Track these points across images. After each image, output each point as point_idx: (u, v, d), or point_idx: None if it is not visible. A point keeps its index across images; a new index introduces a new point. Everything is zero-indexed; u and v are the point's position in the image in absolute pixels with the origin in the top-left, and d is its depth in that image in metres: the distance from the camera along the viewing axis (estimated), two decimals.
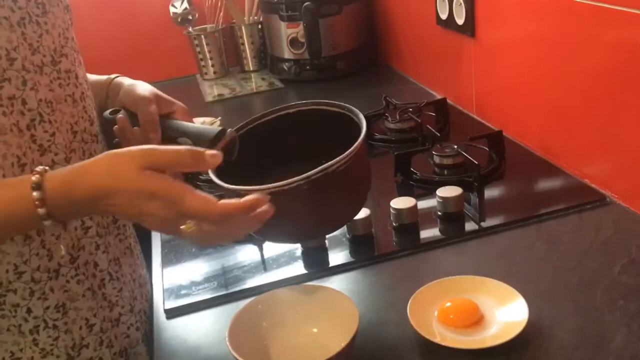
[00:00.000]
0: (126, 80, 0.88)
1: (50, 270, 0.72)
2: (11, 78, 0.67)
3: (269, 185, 0.64)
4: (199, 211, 0.59)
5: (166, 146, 0.62)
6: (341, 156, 0.67)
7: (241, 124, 0.81)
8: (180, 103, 0.86)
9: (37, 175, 0.60)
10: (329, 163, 0.66)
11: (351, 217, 0.82)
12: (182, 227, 0.61)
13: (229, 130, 0.77)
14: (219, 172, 0.70)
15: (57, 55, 0.74)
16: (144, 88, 0.84)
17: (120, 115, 0.82)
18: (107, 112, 0.84)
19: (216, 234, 0.63)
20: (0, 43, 0.66)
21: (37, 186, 0.59)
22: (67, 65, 0.76)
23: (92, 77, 0.88)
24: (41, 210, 0.59)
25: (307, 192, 0.66)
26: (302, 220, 0.70)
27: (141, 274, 0.90)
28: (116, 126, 0.82)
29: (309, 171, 0.65)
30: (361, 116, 0.75)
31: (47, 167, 0.62)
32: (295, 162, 0.75)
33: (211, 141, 0.76)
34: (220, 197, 0.61)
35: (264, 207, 0.61)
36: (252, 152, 0.79)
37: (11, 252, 0.69)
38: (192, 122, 0.84)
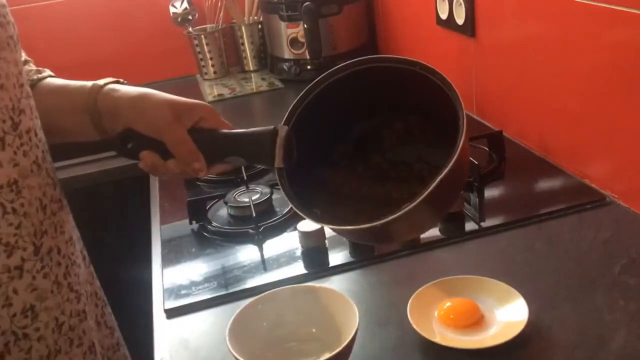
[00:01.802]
0: (121, 96, 0.68)
1: (10, 269, 0.60)
2: None
3: (377, 223, 0.58)
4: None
5: None
6: (452, 160, 0.59)
7: (287, 112, 0.68)
8: (201, 103, 0.70)
9: None
10: (442, 174, 0.58)
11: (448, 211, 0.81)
12: None
13: (279, 132, 0.65)
14: (291, 182, 0.63)
15: (16, 115, 0.59)
16: (156, 104, 0.66)
17: (142, 152, 0.66)
18: (117, 141, 0.68)
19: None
20: None
21: None
22: (27, 122, 0.61)
23: (69, 85, 0.71)
24: None
25: (420, 207, 0.58)
26: (411, 233, 0.71)
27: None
28: (141, 163, 0.67)
29: (395, 123, 0.63)
30: (449, 82, 0.66)
31: None
32: (366, 121, 0.70)
33: (268, 158, 0.64)
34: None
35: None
36: (310, 137, 0.67)
37: None
38: (224, 124, 0.70)
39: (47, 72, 0.76)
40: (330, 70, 0.69)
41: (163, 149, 0.66)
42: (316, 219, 0.64)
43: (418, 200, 0.58)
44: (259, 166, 0.70)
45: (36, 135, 0.63)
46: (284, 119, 0.68)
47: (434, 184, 0.58)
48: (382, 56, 0.68)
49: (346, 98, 0.69)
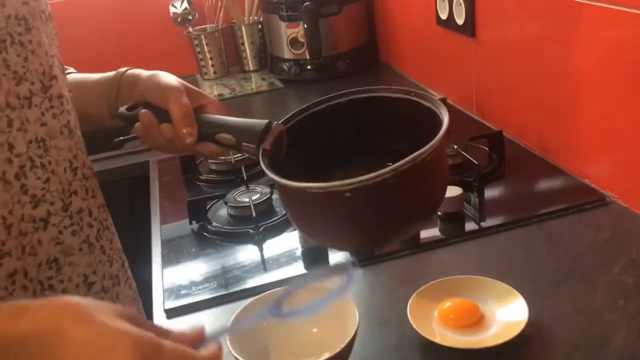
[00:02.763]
0: (143, 72, 0.76)
1: (35, 219, 0.62)
2: None
3: (347, 181, 0.55)
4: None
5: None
6: (430, 144, 0.57)
7: (287, 116, 0.70)
8: (211, 96, 0.76)
9: None
10: (420, 152, 0.56)
11: (431, 218, 0.71)
12: None
13: (275, 123, 0.67)
14: (274, 170, 0.62)
15: (47, 79, 0.63)
16: (169, 77, 0.73)
17: (142, 110, 0.70)
18: (123, 109, 0.73)
19: None
20: None
21: None
22: (58, 89, 0.65)
23: (93, 76, 0.80)
24: None
25: (393, 187, 0.56)
26: (383, 220, 0.60)
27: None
28: (138, 124, 0.71)
29: (374, 166, 0.56)
30: (435, 100, 0.64)
31: None
32: (353, 157, 0.68)
33: (258, 139, 0.66)
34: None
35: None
36: (300, 150, 0.69)
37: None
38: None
39: (71, 69, 0.83)
40: (335, 94, 0.70)
41: (163, 116, 0.70)
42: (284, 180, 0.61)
43: (385, 171, 0.55)
44: (245, 152, 0.69)
45: (68, 103, 0.67)
46: (282, 120, 0.69)
47: (405, 160, 0.55)
48: (384, 87, 0.69)
49: (344, 124, 0.70)
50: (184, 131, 0.69)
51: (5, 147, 0.58)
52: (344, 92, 0.70)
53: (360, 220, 0.58)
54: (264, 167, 0.62)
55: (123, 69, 0.78)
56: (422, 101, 0.66)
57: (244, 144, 0.68)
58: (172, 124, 0.70)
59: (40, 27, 0.64)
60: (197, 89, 0.75)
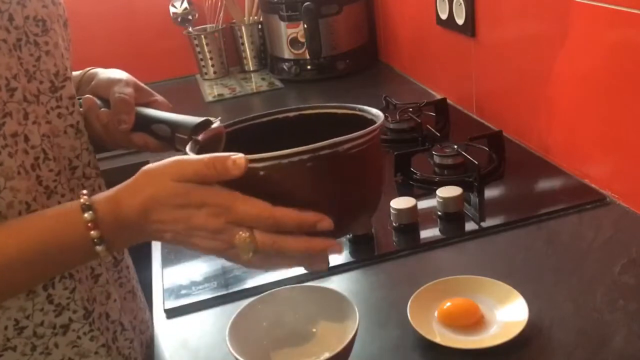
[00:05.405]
0: (100, 70, 0.79)
1: (56, 326, 0.64)
2: (12, 112, 0.59)
3: (261, 155, 0.53)
4: (251, 215, 0.52)
5: (194, 156, 0.55)
6: (356, 134, 0.55)
7: (231, 121, 0.70)
8: (161, 96, 0.78)
9: (85, 197, 0.55)
10: (341, 138, 0.54)
11: (358, 219, 0.64)
12: (235, 240, 0.54)
13: (215, 122, 0.68)
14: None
15: (59, 80, 0.66)
16: (120, 73, 0.76)
17: (87, 96, 0.72)
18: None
19: (274, 247, 0.53)
20: (0, 71, 0.58)
21: (87, 207, 0.54)
22: (71, 90, 0.68)
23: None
24: (94, 233, 0.54)
25: (309, 171, 0.54)
26: (296, 205, 0.54)
27: (143, 319, 0.81)
28: (81, 109, 0.72)
29: None
30: (377, 111, 0.65)
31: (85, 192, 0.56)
32: None
33: (192, 130, 0.66)
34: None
35: (331, 243, 0.54)
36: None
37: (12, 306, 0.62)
38: None
39: (97, 68, 0.83)
40: (284, 109, 0.71)
41: (107, 105, 0.71)
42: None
43: (301, 149, 0.53)
44: (177, 145, 0.68)
45: (80, 106, 0.70)
46: (225, 123, 0.69)
47: (324, 143, 0.53)
48: (332, 105, 0.69)
49: (291, 138, 0.66)
50: (120, 117, 0.71)
51: (22, 139, 0.61)
52: (294, 107, 0.71)
53: (273, 204, 0.53)
54: (188, 151, 0.61)
55: (87, 69, 0.80)
56: (365, 115, 0.65)
57: (177, 134, 0.68)
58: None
59: (58, 30, 0.67)
60: (149, 89, 0.77)
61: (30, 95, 0.62)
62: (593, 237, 0.87)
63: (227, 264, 0.93)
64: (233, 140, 0.68)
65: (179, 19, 1.85)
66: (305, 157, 0.53)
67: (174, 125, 0.69)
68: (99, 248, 0.55)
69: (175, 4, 1.85)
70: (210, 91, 1.79)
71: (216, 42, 1.87)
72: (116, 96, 0.71)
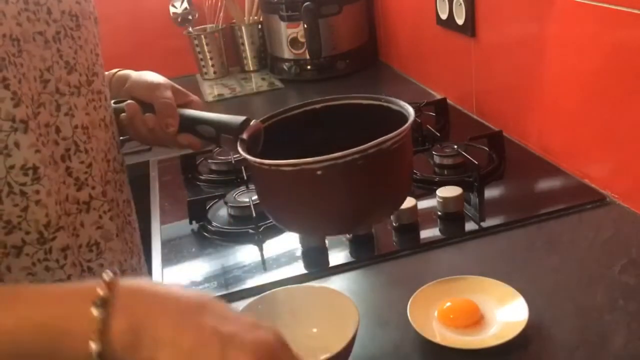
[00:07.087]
0: (132, 72, 0.81)
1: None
2: (45, 103, 0.61)
3: (318, 158, 0.59)
4: None
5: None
6: (396, 132, 0.61)
7: (265, 116, 0.74)
8: (196, 97, 0.82)
9: (104, 286, 0.43)
10: (385, 137, 0.60)
11: (398, 206, 0.73)
12: None
13: (253, 120, 0.72)
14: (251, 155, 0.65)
15: (90, 74, 0.68)
16: (157, 76, 0.79)
17: (129, 101, 0.75)
18: (111, 102, 0.76)
19: None
20: (34, 63, 0.59)
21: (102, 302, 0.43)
22: (99, 85, 0.70)
23: None
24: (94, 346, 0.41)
25: (359, 168, 0.60)
26: (351, 201, 0.63)
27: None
28: (123, 114, 0.75)
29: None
30: (403, 103, 0.69)
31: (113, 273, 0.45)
32: None
33: (237, 130, 0.70)
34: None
35: None
36: (275, 149, 0.70)
37: None
38: None
39: (127, 71, 0.86)
40: (311, 100, 0.75)
41: (147, 109, 0.75)
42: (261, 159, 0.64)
43: (352, 151, 0.59)
44: (223, 144, 0.73)
45: (106, 100, 0.72)
46: (260, 119, 0.73)
47: (370, 144, 0.59)
48: (358, 95, 0.74)
49: (319, 128, 0.74)
50: (167, 121, 0.74)
51: (53, 130, 0.62)
52: (320, 99, 0.75)
53: (330, 199, 0.61)
54: (241, 151, 0.66)
55: (115, 70, 0.82)
56: (391, 105, 0.70)
57: (222, 135, 0.72)
58: (155, 114, 0.75)
59: (89, 26, 0.69)
60: (183, 89, 0.80)
61: (69, 87, 0.64)
62: (593, 237, 0.87)
63: (227, 263, 0.93)
64: (267, 132, 0.72)
65: (179, 19, 1.85)
66: (357, 156, 0.59)
67: (218, 126, 0.73)
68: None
69: (175, 4, 1.85)
70: (210, 91, 1.79)
71: (216, 42, 1.87)
72: (161, 101, 0.75)
